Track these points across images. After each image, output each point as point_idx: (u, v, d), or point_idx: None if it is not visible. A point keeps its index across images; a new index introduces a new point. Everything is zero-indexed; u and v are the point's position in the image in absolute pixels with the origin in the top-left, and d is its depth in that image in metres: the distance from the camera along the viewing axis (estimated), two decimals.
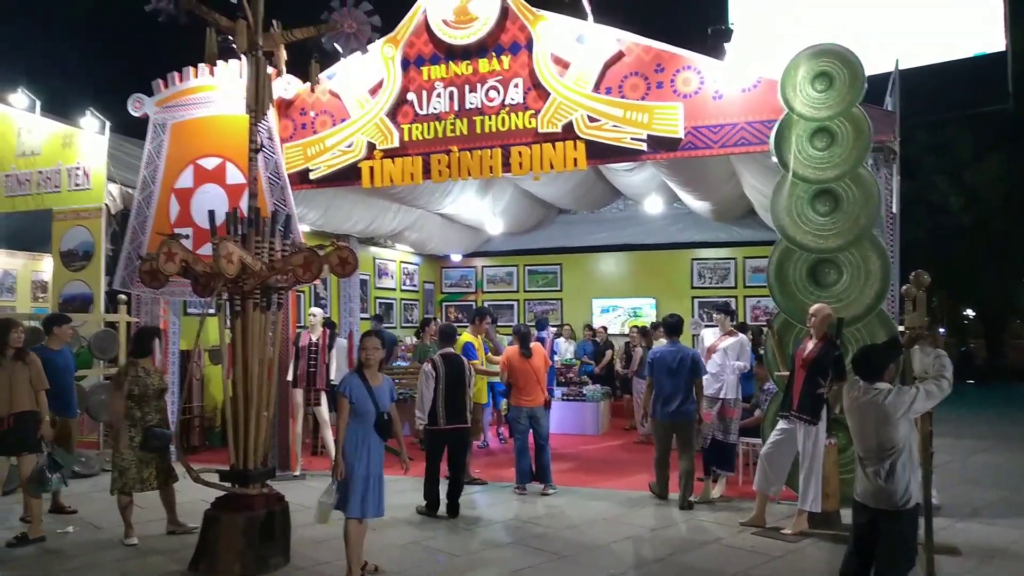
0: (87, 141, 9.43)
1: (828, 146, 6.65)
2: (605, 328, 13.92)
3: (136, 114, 8.92)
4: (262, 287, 5.47)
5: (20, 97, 9.97)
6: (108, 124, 9.46)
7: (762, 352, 7.47)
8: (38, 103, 9.95)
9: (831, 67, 6.66)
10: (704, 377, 7.27)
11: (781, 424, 6.17)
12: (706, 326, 8.90)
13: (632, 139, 7.59)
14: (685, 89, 7.50)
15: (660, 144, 7.55)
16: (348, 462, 4.83)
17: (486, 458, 9.16)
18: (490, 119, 8.13)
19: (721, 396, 7.29)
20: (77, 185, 9.41)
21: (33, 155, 9.76)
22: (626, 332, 13.04)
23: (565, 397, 11.03)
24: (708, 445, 7.30)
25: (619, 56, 7.70)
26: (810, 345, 6.08)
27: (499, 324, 13.06)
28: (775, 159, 6.89)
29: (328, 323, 9.35)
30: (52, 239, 9.65)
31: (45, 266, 15.19)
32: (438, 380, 6.81)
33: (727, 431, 7.29)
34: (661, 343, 8.35)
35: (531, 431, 7.58)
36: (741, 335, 7.60)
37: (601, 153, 7.80)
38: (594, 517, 6.69)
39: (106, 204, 9.27)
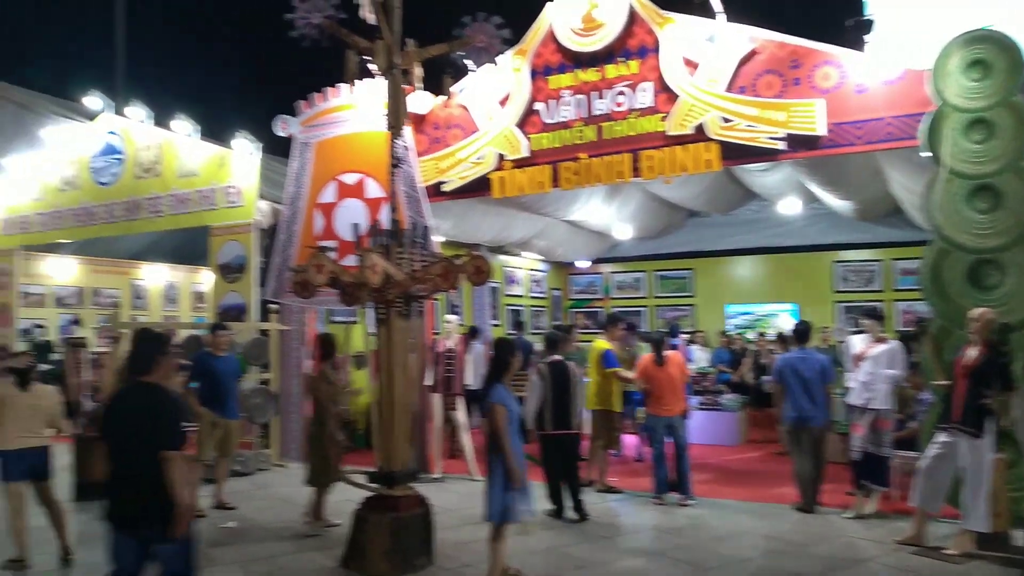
0: (239, 162, 10.15)
1: (986, 139, 6.20)
2: (741, 335, 13.53)
3: (282, 134, 9.51)
4: (404, 296, 5.71)
5: (181, 123, 10.85)
6: (258, 145, 10.14)
7: (916, 360, 7.05)
8: (197, 129, 10.79)
9: (987, 54, 6.21)
10: (852, 386, 6.97)
11: (941, 437, 5.78)
12: (853, 332, 8.49)
13: (768, 138, 7.37)
14: (824, 84, 7.21)
15: (799, 142, 7.30)
16: (511, 468, 4.92)
17: (622, 467, 9.11)
18: (618, 124, 8.13)
19: (873, 407, 6.92)
20: (231, 203, 10.14)
21: (192, 176, 10.61)
22: (764, 340, 12.57)
23: (701, 406, 10.79)
24: (859, 458, 6.94)
25: (752, 54, 7.51)
26: (972, 352, 5.67)
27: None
28: (926, 154, 6.49)
29: (472, 330, 9.58)
30: (210, 253, 10.43)
31: (203, 278, 16.49)
32: (545, 387, 6.96)
33: (880, 443, 6.90)
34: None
35: (669, 440, 7.49)
36: (893, 342, 7.19)
37: (736, 154, 7.63)
38: (737, 529, 6.52)
39: (257, 219, 9.93)
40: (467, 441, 8.74)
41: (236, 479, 8.34)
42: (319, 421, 6.58)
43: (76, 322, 13.89)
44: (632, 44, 8.07)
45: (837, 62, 7.17)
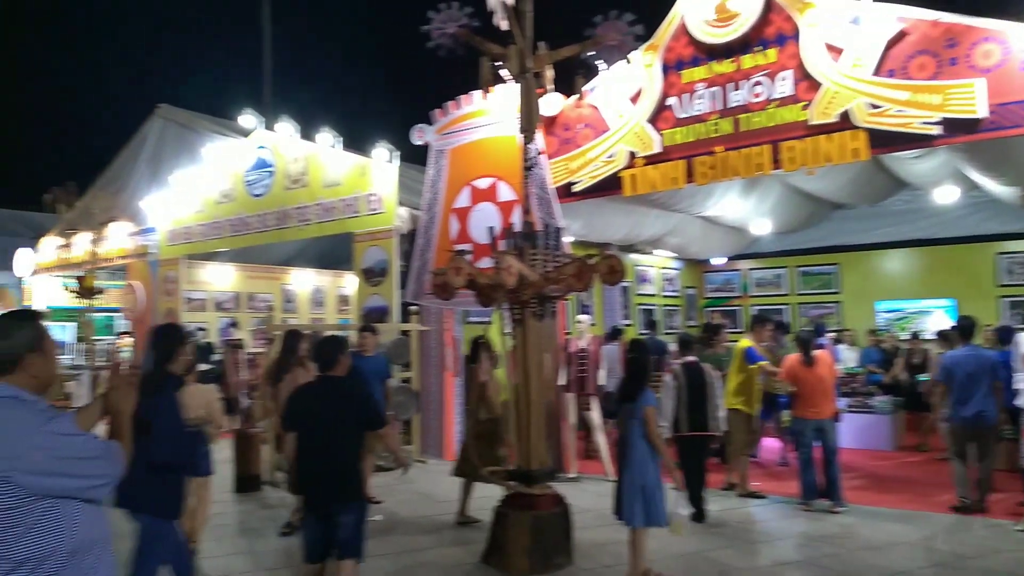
0: (379, 170, 10.59)
1: None
2: (894, 333, 12.74)
3: (419, 143, 9.85)
4: (538, 296, 5.77)
5: (325, 136, 11.46)
6: (396, 154, 10.54)
7: None
8: (339, 140, 11.35)
9: None
10: (1020, 388, 6.43)
11: None
12: (1020, 329, 7.81)
13: (922, 123, 6.91)
14: (985, 63, 6.68)
15: (956, 126, 6.80)
16: (671, 470, 4.91)
17: (762, 472, 8.80)
18: (757, 116, 7.86)
19: None
20: (373, 210, 10.60)
21: (336, 186, 11.17)
22: (918, 337, 11.76)
23: (850, 409, 10.25)
24: None
25: (901, 35, 7.07)
26: None
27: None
28: None
29: (614, 331, 9.55)
30: (354, 258, 10.94)
31: (346, 282, 17.33)
32: (680, 389, 6.86)
33: None
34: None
35: (816, 445, 7.18)
36: None
37: (885, 141, 7.20)
38: (893, 539, 6.15)
39: (397, 225, 10.33)
40: (602, 441, 8.72)
41: (381, 474, 8.69)
42: (490, 423, 6.82)
43: (234, 325, 14.95)
44: (769, 32, 7.79)
45: (1000, 38, 6.62)
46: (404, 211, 10.46)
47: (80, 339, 17.97)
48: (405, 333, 10.02)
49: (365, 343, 8.00)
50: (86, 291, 13.29)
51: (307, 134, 11.87)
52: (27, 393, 2.32)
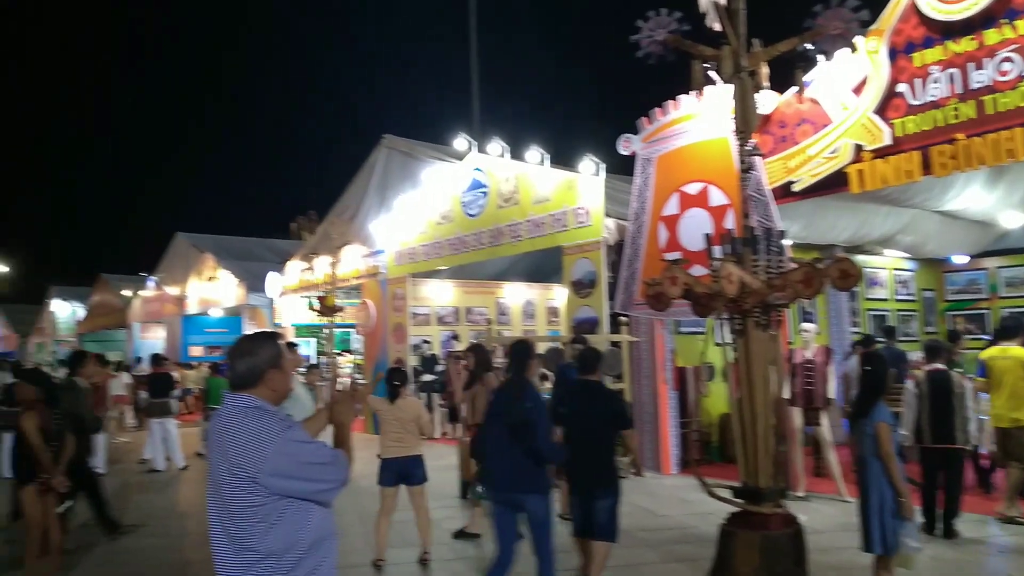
0: (586, 184, 10.66)
1: None
2: None
3: (625, 152, 9.79)
4: (762, 305, 5.47)
5: (533, 154, 11.74)
6: (602, 166, 10.56)
7: None
8: (547, 157, 11.58)
9: None
10: None
11: None
12: None
13: None
14: None
15: None
16: (900, 496, 4.52)
17: None
18: (1005, 96, 6.98)
19: None
20: (581, 223, 10.68)
21: (545, 201, 11.39)
22: None
23: None
24: None
25: None
26: None
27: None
28: None
29: (866, 339, 8.94)
30: (563, 271, 11.08)
31: (555, 294, 17.63)
32: (921, 397, 6.42)
33: None
34: None
35: None
36: None
37: None
38: None
39: (604, 237, 10.33)
40: (833, 458, 8.11)
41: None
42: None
43: (455, 337, 15.71)
44: (1018, 2, 6.89)
45: None
46: (611, 222, 10.44)
47: (321, 353, 19.78)
48: (616, 344, 9.97)
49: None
50: (327, 309, 14.57)
51: (516, 153, 12.24)
52: (268, 404, 2.58)
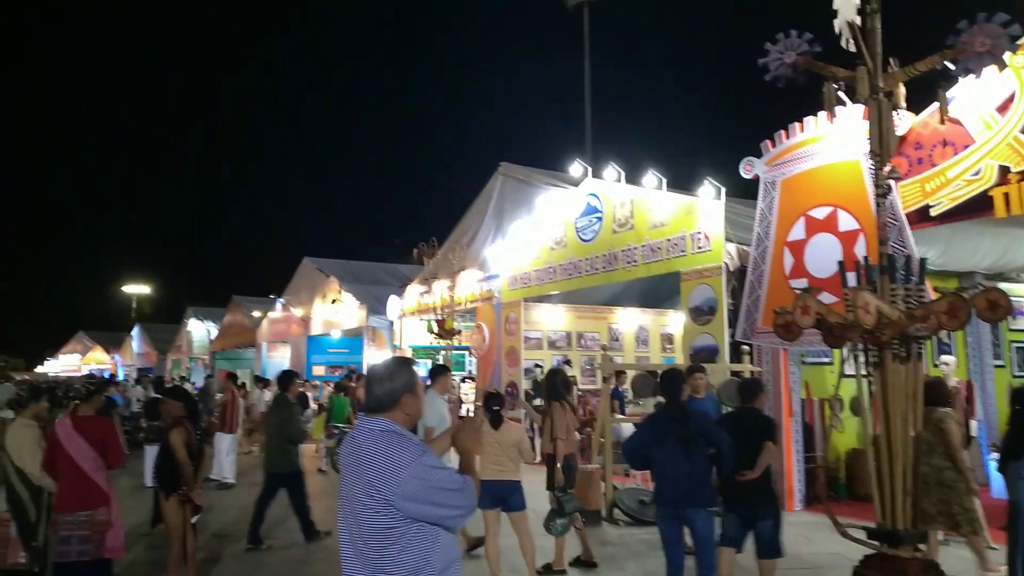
0: (705, 208, 10.45)
1: None
2: None
3: (747, 176, 9.54)
4: (900, 336, 5.17)
5: (649, 178, 11.63)
6: (722, 190, 10.33)
7: None
8: (664, 181, 11.44)
9: None
10: None
11: None
12: None
13: None
14: None
15: None
16: None
17: None
18: None
19: None
20: (699, 248, 10.46)
21: (662, 226, 11.24)
22: None
23: None
24: None
25: None
26: None
27: None
28: None
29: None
30: (681, 297, 10.87)
31: (669, 320, 17.31)
32: None
33: None
34: None
35: None
36: None
37: None
38: None
39: (725, 263, 10.07)
40: (975, 501, 7.51)
41: None
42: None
43: (567, 362, 15.66)
44: None
45: None
46: (732, 247, 10.18)
47: None
48: (736, 374, 9.66)
49: (696, 384, 7.84)
50: (446, 332, 14.88)
51: (632, 177, 12.17)
52: (403, 428, 2.62)
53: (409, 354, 19.57)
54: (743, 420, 5.81)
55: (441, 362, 15.05)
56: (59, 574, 5.29)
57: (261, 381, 17.35)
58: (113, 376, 23.90)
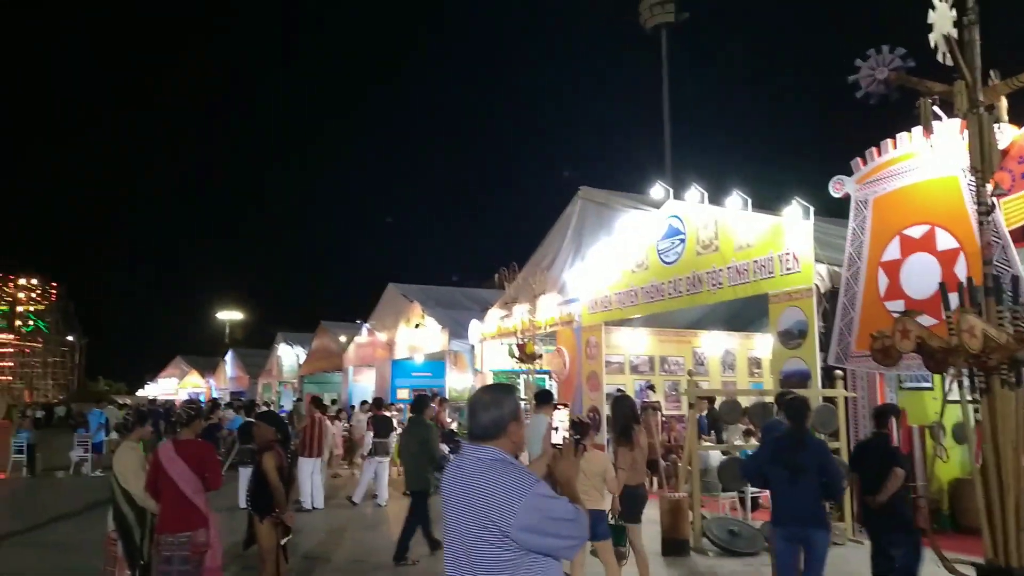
0: (793, 228, 10.17)
1: None
2: None
3: (837, 195, 9.26)
4: (1009, 361, 4.90)
5: (733, 199, 11.42)
6: (810, 209, 10.04)
7: None
8: (749, 201, 11.21)
9: None
10: None
11: None
12: None
13: None
14: None
15: None
16: None
17: None
18: None
19: None
20: (788, 269, 10.18)
21: (748, 247, 11.00)
22: None
23: None
24: None
25: None
26: None
27: None
28: None
29: None
30: (769, 320, 10.58)
31: (756, 344, 16.86)
32: None
33: None
34: None
35: None
36: None
37: None
38: None
39: (816, 284, 9.76)
40: None
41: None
42: None
43: (650, 387, 15.45)
44: None
45: None
46: (823, 268, 9.87)
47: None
48: (829, 399, 9.32)
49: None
50: (527, 356, 14.91)
51: (715, 198, 11.97)
52: (511, 456, 2.59)
53: (491, 378, 19.68)
54: (873, 446, 6.16)
55: (546, 388, 15.08)
56: None
57: (365, 404, 17.61)
58: (217, 401, 24.88)
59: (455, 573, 2.50)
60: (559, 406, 16.42)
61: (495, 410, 2.60)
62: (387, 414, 14.08)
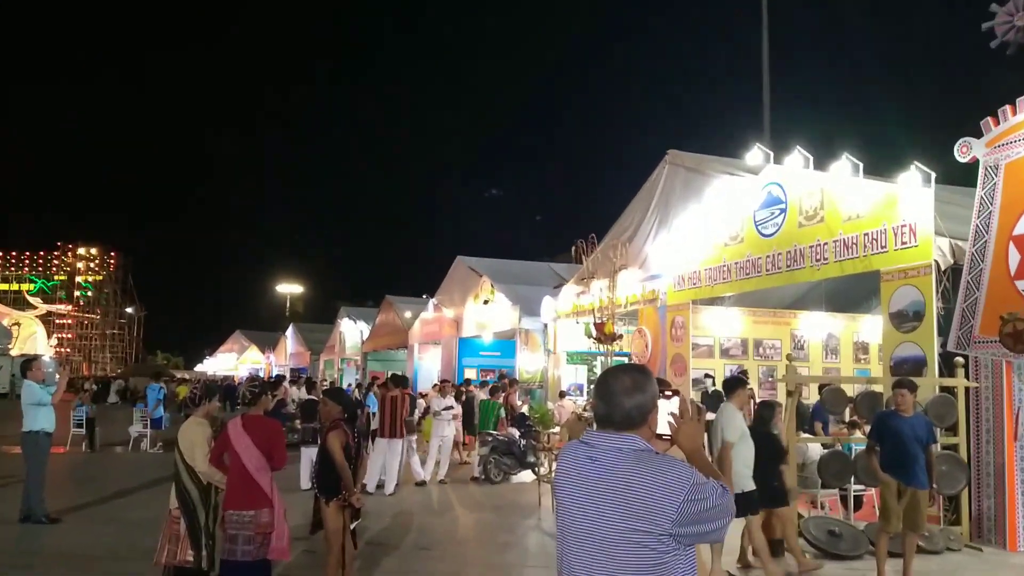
0: (910, 197, 9.80)
1: None
2: None
3: (963, 159, 8.89)
4: None
5: (842, 164, 11.06)
6: (931, 176, 9.65)
7: None
8: (860, 166, 10.84)
9: None
10: None
11: None
12: None
13: None
14: None
15: None
16: None
17: None
18: None
19: None
20: (903, 243, 9.83)
21: (858, 218, 10.66)
22: None
23: None
24: None
25: None
26: None
27: None
28: None
29: None
30: (880, 300, 10.27)
31: (862, 326, 16.40)
32: None
33: None
34: None
35: None
36: None
37: None
38: None
39: (935, 260, 9.41)
40: None
41: (920, 557, 7.89)
42: None
43: (743, 372, 15.19)
44: None
45: None
46: (944, 242, 9.49)
47: (591, 381, 20.21)
48: (948, 389, 9.02)
49: (902, 401, 7.39)
50: (606, 337, 14.88)
51: (820, 164, 11.63)
52: (651, 446, 2.49)
53: (564, 360, 19.71)
54: None
55: (738, 373, 14.89)
56: (224, 571, 5.78)
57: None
58: (279, 377, 25.73)
59: (582, 570, 2.43)
60: (666, 394, 16.24)
61: (639, 395, 2.49)
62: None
